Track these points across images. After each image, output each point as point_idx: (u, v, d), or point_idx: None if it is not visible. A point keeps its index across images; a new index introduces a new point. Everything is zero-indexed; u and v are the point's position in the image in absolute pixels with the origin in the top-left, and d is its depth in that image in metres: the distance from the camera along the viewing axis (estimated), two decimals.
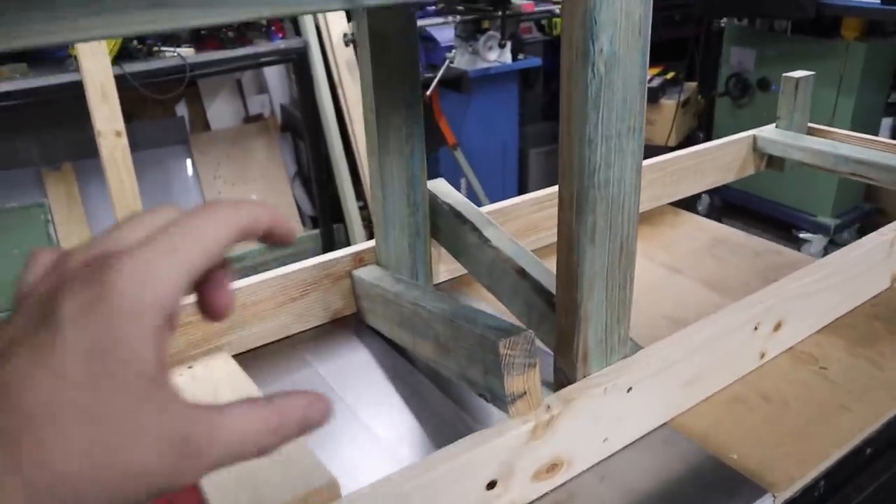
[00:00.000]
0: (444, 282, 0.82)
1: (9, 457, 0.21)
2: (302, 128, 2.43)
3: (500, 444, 0.47)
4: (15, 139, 2.27)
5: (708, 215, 2.76)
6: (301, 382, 0.67)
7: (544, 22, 2.76)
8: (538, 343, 0.62)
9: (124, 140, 1.85)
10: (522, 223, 0.85)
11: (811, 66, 1.12)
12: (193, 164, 2.52)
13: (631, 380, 0.54)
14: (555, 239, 0.52)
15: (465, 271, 0.75)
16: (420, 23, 2.33)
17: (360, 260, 0.74)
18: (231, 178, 2.55)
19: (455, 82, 2.35)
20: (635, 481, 0.53)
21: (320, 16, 2.25)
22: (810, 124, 1.06)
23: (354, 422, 0.61)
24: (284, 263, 0.72)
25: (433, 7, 2.50)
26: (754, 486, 0.52)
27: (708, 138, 2.82)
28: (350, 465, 0.55)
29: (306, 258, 0.73)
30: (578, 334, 0.52)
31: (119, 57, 1.93)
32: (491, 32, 2.50)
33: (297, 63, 2.26)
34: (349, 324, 0.75)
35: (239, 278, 0.68)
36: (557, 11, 2.68)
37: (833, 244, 2.64)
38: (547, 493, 0.52)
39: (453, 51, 2.34)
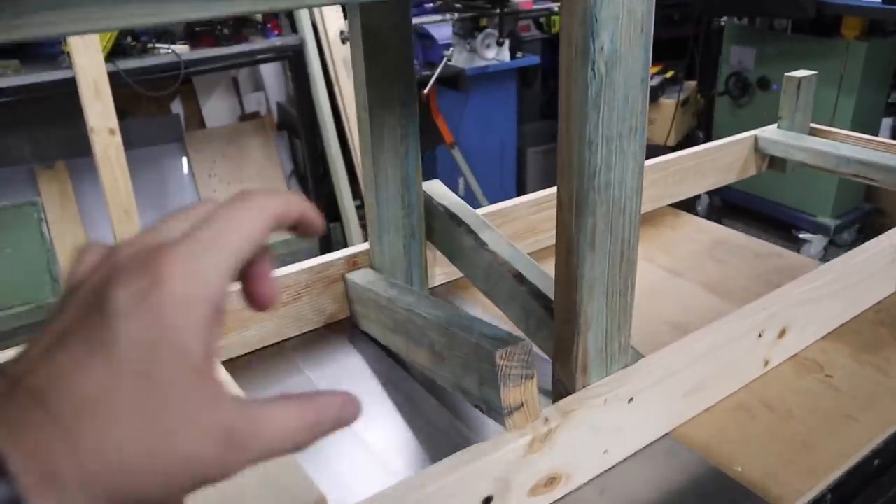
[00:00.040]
0: (439, 285, 0.80)
1: (66, 443, 0.21)
2: (298, 126, 2.40)
3: (495, 459, 0.45)
4: (7, 137, 2.24)
5: (707, 215, 2.74)
6: (292, 389, 0.64)
7: (543, 20, 2.75)
8: (536, 349, 0.60)
9: (118, 138, 1.83)
10: (520, 225, 0.83)
11: (811, 66, 1.10)
12: (189, 162, 2.50)
13: (632, 390, 0.52)
14: (553, 241, 0.51)
15: (461, 275, 0.74)
16: (417, 20, 2.31)
17: (353, 263, 0.72)
18: (227, 176, 2.53)
19: (453, 80, 2.34)
20: (636, 494, 0.51)
21: (317, 12, 2.23)
22: (812, 124, 1.04)
23: (346, 431, 0.59)
24: (278, 265, 0.70)
25: (431, 4, 2.48)
26: (759, 500, 0.50)
27: (707, 138, 2.81)
28: (341, 480, 0.54)
29: (302, 257, 0.71)
30: (578, 343, 0.50)
31: (113, 54, 1.91)
32: (489, 30, 2.49)
33: (294, 60, 2.24)
34: (342, 328, 0.73)
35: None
36: (556, 9, 2.66)
37: (833, 244, 2.63)
38: None
39: (451, 49, 2.33)
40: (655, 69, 2.91)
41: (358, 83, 0.64)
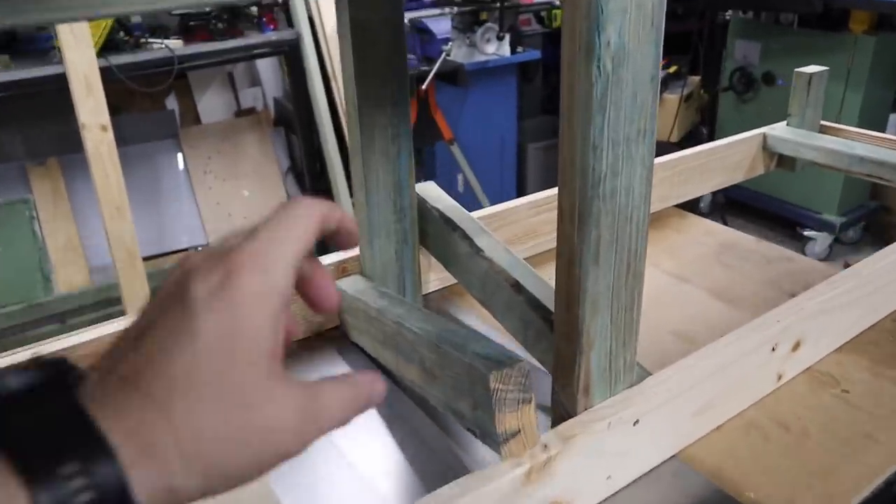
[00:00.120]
0: (433, 292, 0.77)
1: (161, 417, 0.23)
2: (295, 122, 2.36)
3: (489, 492, 0.41)
4: None
5: (710, 213, 2.71)
6: None
7: (543, 13, 2.71)
8: (534, 362, 0.57)
9: (110, 134, 1.79)
10: (519, 228, 0.79)
11: (818, 60, 1.06)
12: (184, 158, 2.46)
13: (638, 412, 0.48)
14: (554, 245, 0.47)
15: (456, 281, 0.70)
16: (416, 14, 2.27)
17: (343, 269, 0.69)
18: (222, 173, 2.49)
19: (452, 76, 2.30)
20: None
21: (313, 6, 2.19)
22: (823, 122, 1.00)
23: (332, 450, 0.55)
24: None
25: None
26: None
27: (711, 133, 2.77)
28: None
29: None
30: (580, 362, 0.46)
31: (105, 49, 1.87)
32: (489, 24, 2.45)
33: (290, 55, 2.20)
34: (332, 339, 0.69)
35: None
36: (557, 3, 2.62)
37: (838, 242, 2.59)
38: None
39: (450, 43, 2.28)
40: None
41: (347, 79, 0.60)
